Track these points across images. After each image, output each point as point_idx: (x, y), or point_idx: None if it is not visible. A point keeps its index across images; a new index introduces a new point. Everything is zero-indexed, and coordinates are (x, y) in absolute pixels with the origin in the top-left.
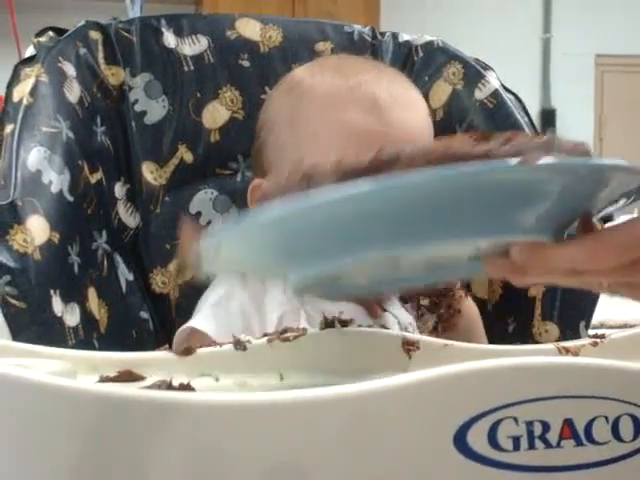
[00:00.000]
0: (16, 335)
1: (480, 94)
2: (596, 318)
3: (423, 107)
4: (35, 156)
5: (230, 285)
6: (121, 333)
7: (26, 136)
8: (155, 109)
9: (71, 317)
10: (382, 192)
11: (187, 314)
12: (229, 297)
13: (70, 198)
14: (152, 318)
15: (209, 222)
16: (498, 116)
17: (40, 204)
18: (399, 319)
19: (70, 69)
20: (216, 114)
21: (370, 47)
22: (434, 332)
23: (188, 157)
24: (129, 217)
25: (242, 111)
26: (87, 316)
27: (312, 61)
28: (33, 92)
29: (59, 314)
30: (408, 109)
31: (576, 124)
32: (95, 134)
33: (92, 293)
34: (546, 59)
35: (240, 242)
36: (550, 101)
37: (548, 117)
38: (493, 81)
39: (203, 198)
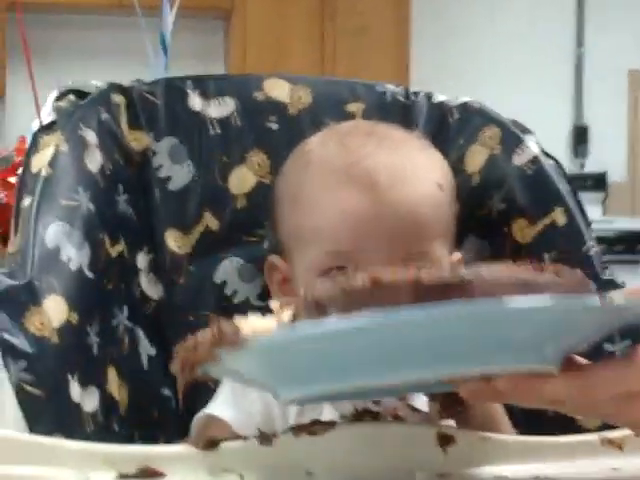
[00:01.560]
0: (33, 424)
1: (518, 159)
2: None
3: (433, 177)
4: (53, 231)
5: None
6: (142, 413)
7: (44, 210)
8: (180, 174)
9: (89, 402)
10: (391, 326)
11: (210, 392)
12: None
13: (90, 275)
14: (175, 395)
15: (235, 292)
16: (537, 184)
17: (58, 283)
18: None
19: (91, 136)
20: (243, 179)
21: (402, 108)
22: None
23: (213, 224)
24: (152, 288)
25: (270, 175)
26: (106, 398)
27: (329, 127)
28: (52, 163)
29: (77, 400)
30: (411, 183)
31: (609, 141)
32: (117, 203)
33: (112, 373)
34: (579, 74)
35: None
36: (583, 118)
37: (580, 134)
38: (532, 146)
39: (228, 267)
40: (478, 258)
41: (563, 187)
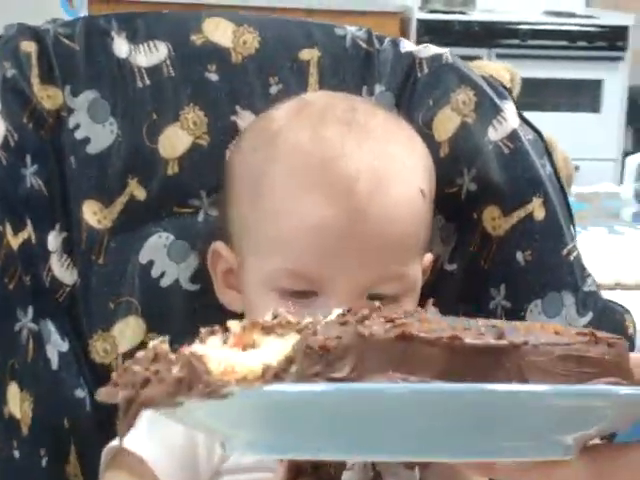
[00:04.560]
0: None
1: (494, 134)
2: (610, 278)
3: (416, 181)
4: None
5: None
6: (50, 424)
7: None
8: (100, 135)
9: None
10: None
11: None
12: None
13: None
14: (91, 395)
15: (163, 273)
16: (514, 167)
17: None
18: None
19: None
20: (175, 140)
21: (365, 55)
22: None
23: (140, 193)
24: (65, 272)
25: (207, 136)
26: (4, 422)
27: (299, 99)
28: None
29: None
30: (392, 193)
31: None
32: (23, 179)
33: (12, 389)
34: None
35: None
36: None
37: None
38: (511, 117)
39: (157, 243)
40: (444, 242)
41: (544, 171)
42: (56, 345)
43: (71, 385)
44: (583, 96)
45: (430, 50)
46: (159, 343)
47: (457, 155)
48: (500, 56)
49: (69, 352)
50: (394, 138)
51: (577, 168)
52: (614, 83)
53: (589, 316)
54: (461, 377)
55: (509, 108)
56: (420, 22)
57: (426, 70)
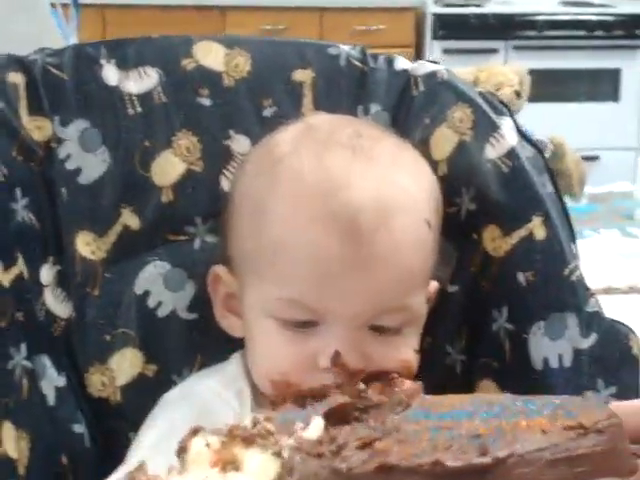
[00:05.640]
0: None
1: (492, 152)
2: (602, 283)
3: (422, 211)
4: None
5: (171, 419)
6: (47, 464)
7: None
8: (92, 165)
9: None
10: None
11: (131, 424)
12: (170, 436)
13: None
14: (88, 430)
15: (159, 303)
16: (513, 184)
17: None
18: None
19: None
20: (169, 167)
21: (359, 74)
22: None
23: (134, 222)
24: (59, 305)
25: (201, 162)
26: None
27: (303, 123)
28: None
29: None
30: (398, 227)
31: None
32: (13, 213)
33: (7, 429)
34: None
35: None
36: None
37: None
38: (509, 134)
39: (152, 273)
40: (445, 263)
41: (544, 189)
42: (52, 380)
43: (69, 420)
44: (602, 85)
45: (426, 67)
46: (137, 472)
47: (455, 174)
48: (517, 48)
49: (66, 387)
50: (400, 166)
51: (597, 158)
52: (632, 72)
53: (593, 337)
54: None
55: (507, 124)
56: (435, 16)
57: (422, 88)
